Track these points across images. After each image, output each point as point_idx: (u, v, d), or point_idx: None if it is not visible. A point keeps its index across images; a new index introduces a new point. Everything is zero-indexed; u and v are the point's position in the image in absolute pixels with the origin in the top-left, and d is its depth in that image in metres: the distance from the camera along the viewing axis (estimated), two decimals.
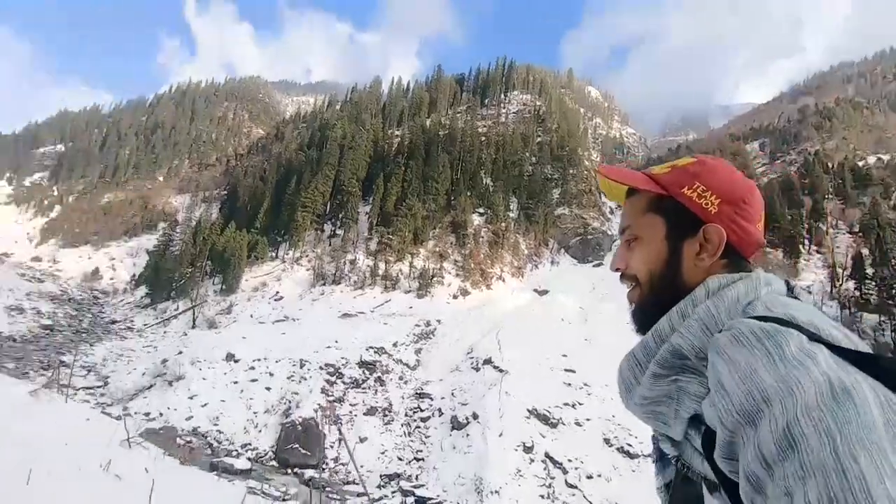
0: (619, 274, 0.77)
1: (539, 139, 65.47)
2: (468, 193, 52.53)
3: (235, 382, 21.14)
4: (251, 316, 37.74)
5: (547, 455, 18.78)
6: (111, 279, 59.49)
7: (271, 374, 21.97)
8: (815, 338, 0.49)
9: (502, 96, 77.15)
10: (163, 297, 44.41)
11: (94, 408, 19.54)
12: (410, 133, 61.23)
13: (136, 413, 18.53)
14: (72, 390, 22.27)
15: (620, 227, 0.79)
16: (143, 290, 48.13)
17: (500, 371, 23.69)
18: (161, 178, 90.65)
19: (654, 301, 0.72)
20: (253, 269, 45.21)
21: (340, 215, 51.25)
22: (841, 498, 0.37)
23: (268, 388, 21.16)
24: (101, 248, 68.94)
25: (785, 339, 0.48)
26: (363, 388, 23.06)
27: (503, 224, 50.25)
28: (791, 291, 0.66)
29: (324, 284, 42.11)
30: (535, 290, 43.52)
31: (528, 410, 20.72)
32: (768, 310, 0.56)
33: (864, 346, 0.49)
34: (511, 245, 49.02)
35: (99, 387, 22.72)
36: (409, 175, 51.75)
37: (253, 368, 22.21)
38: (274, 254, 48.47)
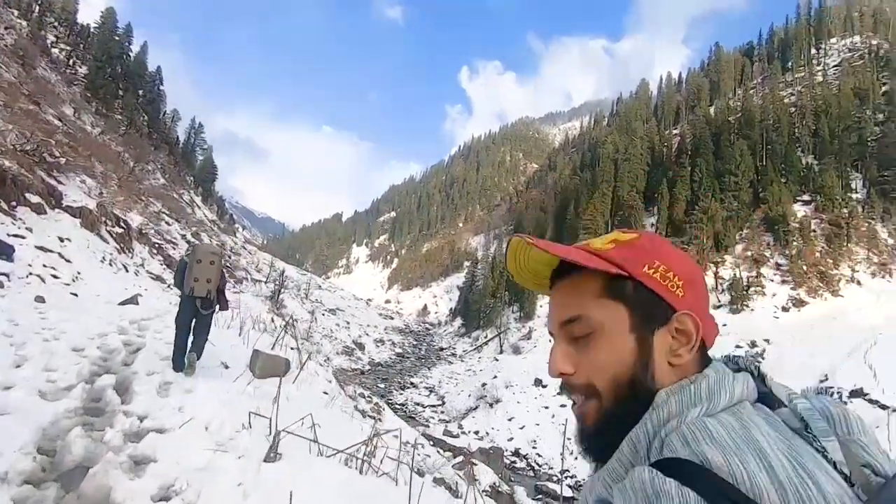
0: (562, 381, 0.57)
1: (885, 87, 48.48)
2: (782, 181, 42.64)
3: (546, 407, 21.98)
4: (549, 341, 39.27)
5: None
6: (435, 313, 72.49)
7: None
8: (716, 491, 0.40)
9: (813, 51, 61.12)
10: (474, 326, 50.88)
11: (437, 424, 23.46)
12: (691, 128, 54.45)
13: (468, 431, 21.31)
14: (419, 407, 27.59)
15: (557, 320, 0.58)
16: (458, 320, 56.43)
17: (882, 407, 17.41)
18: (461, 224, 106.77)
19: (620, 416, 0.52)
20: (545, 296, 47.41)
21: None
22: None
23: None
24: (426, 288, 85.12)
25: None
26: None
27: (844, 210, 38.46)
28: (762, 383, 0.53)
29: None
30: None
31: None
32: (683, 445, 0.44)
33: None
34: (863, 235, 36.86)
35: (440, 405, 27.26)
36: (698, 174, 45.65)
37: (560, 394, 22.75)
38: None
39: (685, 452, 0.43)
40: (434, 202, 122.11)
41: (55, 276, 8.72)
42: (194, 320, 5.10)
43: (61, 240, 10.78)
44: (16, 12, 43.70)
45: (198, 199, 55.71)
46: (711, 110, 58.29)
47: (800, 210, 40.38)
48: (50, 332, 5.20)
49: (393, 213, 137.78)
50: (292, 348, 8.47)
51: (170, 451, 3.01)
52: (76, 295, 8.19)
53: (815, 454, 0.44)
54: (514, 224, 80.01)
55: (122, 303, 8.52)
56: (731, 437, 0.44)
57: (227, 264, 28.98)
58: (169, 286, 13.23)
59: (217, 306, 5.25)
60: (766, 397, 0.51)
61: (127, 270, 13.08)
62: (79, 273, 9.71)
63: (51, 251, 9.73)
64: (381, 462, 4.07)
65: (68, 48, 48.25)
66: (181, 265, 5.23)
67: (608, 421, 0.53)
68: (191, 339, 5.10)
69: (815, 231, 37.95)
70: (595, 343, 0.55)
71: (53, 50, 45.41)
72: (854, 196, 40.43)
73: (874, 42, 56.47)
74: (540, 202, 69.98)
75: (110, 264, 12.42)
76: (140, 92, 54.44)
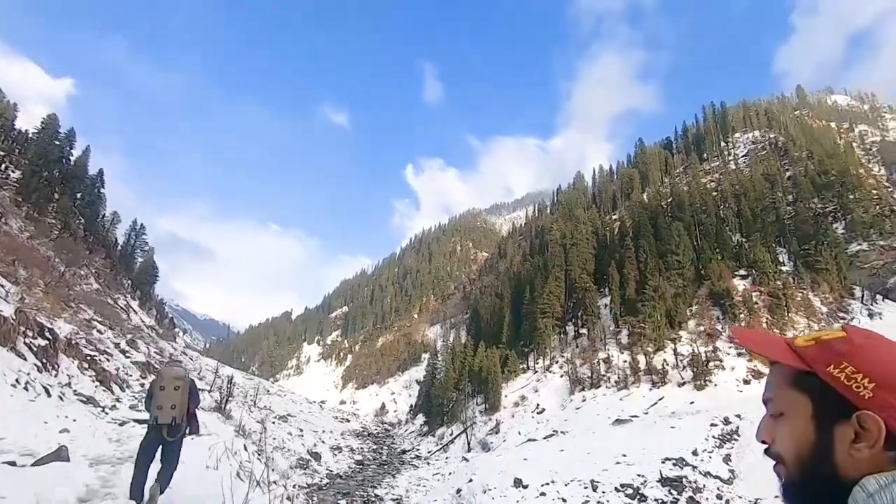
0: (765, 447, 0.71)
1: (788, 173, 54.87)
2: (718, 258, 45.59)
3: None
4: (519, 433, 37.17)
5: None
6: (395, 411, 68.13)
7: (564, 501, 20.22)
8: None
9: (722, 144, 69.07)
10: (438, 423, 47.89)
11: None
12: (630, 213, 58.39)
13: None
14: None
15: (764, 396, 0.73)
16: (420, 418, 53.10)
17: None
18: (416, 315, 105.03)
19: (802, 485, 0.65)
20: (509, 384, 45.87)
21: (580, 314, 49.67)
22: None
23: None
24: (383, 384, 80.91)
25: None
26: None
27: (778, 282, 41.12)
28: None
29: (583, 390, 39.63)
30: None
31: None
32: None
33: None
34: (800, 305, 39.21)
35: None
36: (643, 254, 48.06)
37: (544, 495, 20.69)
38: (525, 365, 48.75)
39: None
40: (388, 294, 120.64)
41: None
42: (161, 448, 4.85)
43: None
44: None
45: (135, 303, 51.85)
46: (644, 196, 63.18)
47: (740, 284, 42.80)
48: None
49: (345, 308, 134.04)
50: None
51: None
52: None
53: None
54: (469, 311, 79.64)
55: (39, 462, 5.62)
56: None
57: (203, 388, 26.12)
58: (104, 410, 11.27)
59: (187, 429, 5.04)
60: None
61: (49, 394, 10.82)
62: None
63: None
64: None
65: (2, 153, 46.35)
66: (149, 390, 5.06)
67: (792, 485, 0.66)
68: (157, 468, 4.82)
69: (757, 303, 39.99)
70: (784, 423, 0.68)
71: None
72: (784, 269, 43.56)
73: (771, 135, 64.90)
74: (495, 288, 70.60)
75: (26, 388, 10.04)
76: (78, 195, 52.31)
